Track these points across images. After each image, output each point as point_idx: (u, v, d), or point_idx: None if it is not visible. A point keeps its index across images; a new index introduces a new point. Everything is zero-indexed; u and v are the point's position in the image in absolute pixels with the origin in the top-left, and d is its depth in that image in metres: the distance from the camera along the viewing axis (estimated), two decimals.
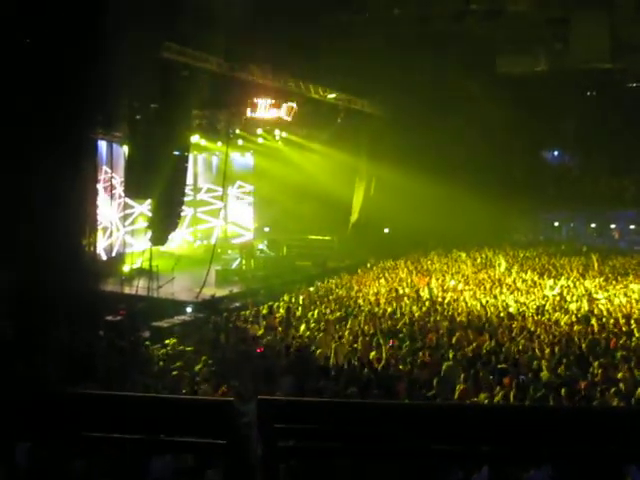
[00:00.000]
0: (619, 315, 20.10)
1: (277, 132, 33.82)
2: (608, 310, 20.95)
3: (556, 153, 50.35)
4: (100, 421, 2.75)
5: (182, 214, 26.06)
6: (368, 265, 30.18)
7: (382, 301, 22.19)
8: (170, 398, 2.82)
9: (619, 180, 44.61)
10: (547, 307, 21.31)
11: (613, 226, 44.03)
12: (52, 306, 17.90)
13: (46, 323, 16.46)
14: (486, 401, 11.52)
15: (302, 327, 17.98)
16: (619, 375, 13.19)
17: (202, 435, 2.67)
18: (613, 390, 12.00)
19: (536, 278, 27.40)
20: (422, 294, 23.42)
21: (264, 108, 27.69)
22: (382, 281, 26.76)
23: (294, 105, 28.79)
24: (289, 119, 29.16)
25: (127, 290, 23.76)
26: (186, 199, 27.57)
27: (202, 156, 35.80)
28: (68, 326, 16.59)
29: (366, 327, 17.63)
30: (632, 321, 19.05)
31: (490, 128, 39.79)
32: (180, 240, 33.07)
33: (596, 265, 30.88)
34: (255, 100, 27.43)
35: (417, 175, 32.71)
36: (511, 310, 20.89)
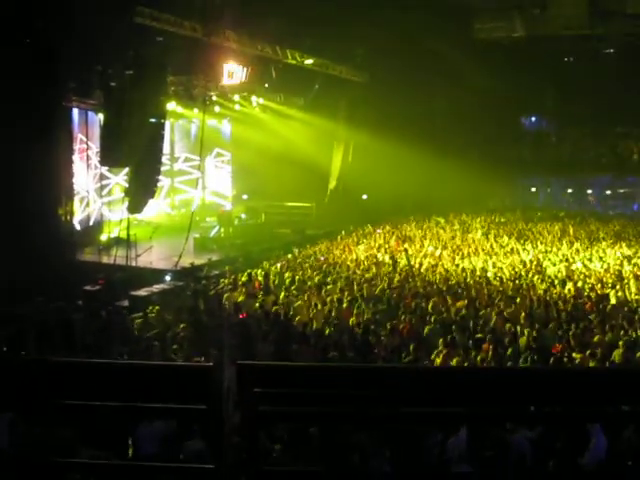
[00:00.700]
0: (594, 280, 20.35)
1: (254, 98, 33.52)
2: (584, 274, 21.19)
3: (534, 119, 50.46)
4: (80, 389, 2.74)
5: (159, 184, 25.84)
6: (344, 232, 30.20)
7: (361, 267, 22.27)
8: (149, 365, 2.82)
9: (596, 146, 44.87)
10: (524, 272, 21.50)
11: (589, 191, 44.40)
12: (29, 277, 17.80)
13: (23, 295, 16.36)
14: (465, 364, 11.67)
15: (281, 294, 18.02)
16: (595, 339, 13.40)
17: (182, 401, 2.67)
18: (588, 352, 12.20)
19: (513, 243, 27.61)
20: (399, 260, 23.53)
21: (240, 74, 27.40)
22: (361, 247, 26.85)
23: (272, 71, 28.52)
24: (267, 85, 28.91)
25: (105, 259, 23.63)
26: (163, 169, 27.29)
27: (179, 123, 35.40)
28: (46, 296, 16.50)
29: (345, 293, 17.71)
30: (607, 285, 19.31)
31: (468, 94, 39.73)
32: (158, 209, 32.85)
33: (571, 230, 31.15)
34: (231, 66, 27.12)
35: (395, 141, 32.66)
36: (489, 275, 21.07)
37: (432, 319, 15.02)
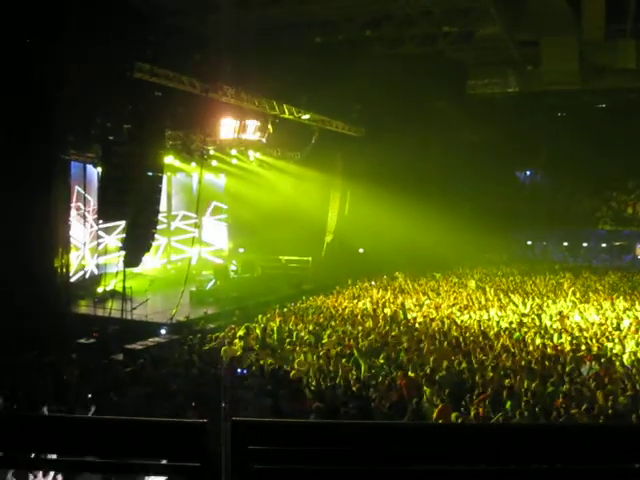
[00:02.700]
0: (590, 333, 20.27)
1: (251, 153, 33.82)
2: (580, 328, 21.11)
3: (528, 173, 50.97)
4: (70, 444, 2.70)
5: (155, 243, 25.85)
6: (339, 287, 30.17)
7: (357, 321, 22.16)
8: (141, 420, 2.78)
9: (590, 199, 45.22)
10: (520, 325, 21.42)
11: (585, 244, 44.55)
12: (24, 328, 17.69)
13: (17, 347, 16.23)
14: (459, 420, 11.54)
15: (278, 348, 17.93)
16: (599, 394, 13.29)
17: (174, 458, 2.63)
18: (584, 407, 12.10)
19: (510, 297, 27.54)
20: (396, 314, 23.45)
21: (237, 129, 27.69)
22: (357, 301, 26.76)
23: (269, 126, 28.83)
24: (264, 140, 29.18)
25: (100, 312, 23.49)
26: (160, 227, 27.36)
27: (176, 177, 35.58)
28: (40, 349, 16.39)
29: (340, 348, 17.60)
30: (603, 339, 19.24)
31: (463, 148, 40.17)
32: (154, 262, 32.82)
33: (566, 285, 31.18)
34: (228, 121, 27.42)
35: (391, 195, 32.88)
36: (486, 329, 20.97)
37: (429, 372, 14.92)
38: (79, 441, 2.67)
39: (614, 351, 17.76)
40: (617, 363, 16.29)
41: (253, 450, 2.53)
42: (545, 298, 27.31)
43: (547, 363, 16.15)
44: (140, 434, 2.66)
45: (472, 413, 12.11)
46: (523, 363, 16.05)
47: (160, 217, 26.01)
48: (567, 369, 15.63)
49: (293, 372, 15.35)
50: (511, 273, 35.93)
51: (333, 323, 21.54)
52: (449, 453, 2.69)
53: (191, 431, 2.65)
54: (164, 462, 2.63)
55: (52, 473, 7.25)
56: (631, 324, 21.56)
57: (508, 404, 12.66)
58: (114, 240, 28.57)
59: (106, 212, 24.05)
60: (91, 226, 28.24)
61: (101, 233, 28.59)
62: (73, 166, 25.82)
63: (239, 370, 15.57)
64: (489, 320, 22.70)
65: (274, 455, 2.60)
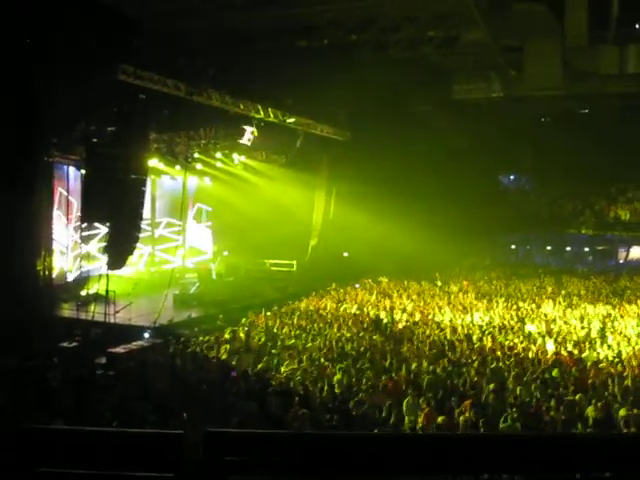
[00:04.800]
0: (574, 337, 20.38)
1: (236, 156, 33.72)
2: (563, 332, 21.22)
3: (512, 177, 51.22)
4: (45, 456, 2.68)
5: (139, 252, 25.68)
6: (324, 290, 30.18)
7: (342, 324, 22.16)
8: (116, 431, 2.76)
9: (573, 204, 45.46)
10: (503, 329, 21.51)
11: (568, 248, 44.79)
12: (5, 331, 17.54)
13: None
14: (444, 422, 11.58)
15: (263, 352, 17.88)
16: (577, 397, 13.34)
17: (149, 469, 2.61)
18: (564, 412, 12.17)
19: (495, 301, 27.64)
20: (382, 318, 23.48)
21: (223, 133, 27.66)
22: (342, 304, 26.78)
23: (253, 129, 28.78)
24: (248, 144, 29.14)
25: (83, 316, 23.34)
26: (144, 235, 27.18)
27: (160, 180, 35.36)
28: (22, 352, 16.26)
29: (325, 351, 17.59)
30: (586, 343, 19.35)
31: (447, 153, 40.26)
32: (138, 265, 32.63)
33: (549, 289, 31.35)
34: (213, 124, 27.37)
35: (376, 199, 32.92)
36: (469, 332, 21.03)
37: (413, 376, 14.94)
38: (55, 452, 2.65)
39: (595, 356, 17.87)
40: (599, 367, 16.37)
41: (228, 461, 2.52)
42: (529, 301, 27.43)
43: (529, 367, 16.22)
44: (116, 445, 2.64)
45: (460, 418, 12.13)
46: (505, 366, 16.10)
47: (144, 225, 25.85)
48: (551, 373, 15.71)
49: (277, 376, 15.32)
50: (496, 277, 36.06)
51: (317, 327, 21.52)
52: (433, 463, 2.69)
53: (166, 442, 2.63)
54: (138, 474, 2.61)
55: None
56: (613, 329, 21.70)
57: (490, 409, 12.69)
58: (94, 249, 28.43)
59: (89, 214, 23.88)
60: (72, 235, 28.06)
61: (81, 240, 28.36)
62: (56, 168, 25.65)
63: (223, 374, 15.51)
64: (473, 325, 22.77)
65: (249, 466, 2.59)
